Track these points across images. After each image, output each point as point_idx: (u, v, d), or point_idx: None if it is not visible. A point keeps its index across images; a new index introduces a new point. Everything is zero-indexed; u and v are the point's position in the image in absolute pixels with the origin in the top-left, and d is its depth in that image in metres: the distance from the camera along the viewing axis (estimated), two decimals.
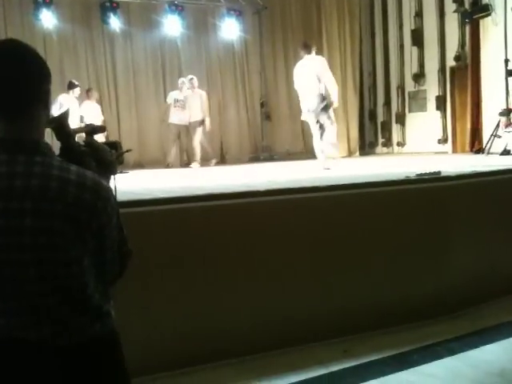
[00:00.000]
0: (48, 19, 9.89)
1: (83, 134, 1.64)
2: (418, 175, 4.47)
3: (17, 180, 1.27)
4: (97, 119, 9.07)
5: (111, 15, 10.37)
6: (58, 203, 1.28)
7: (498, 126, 9.07)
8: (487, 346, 3.69)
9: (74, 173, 1.33)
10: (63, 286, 1.31)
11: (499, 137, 8.97)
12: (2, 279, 1.27)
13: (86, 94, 9.63)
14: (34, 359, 1.30)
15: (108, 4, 10.30)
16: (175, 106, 10.32)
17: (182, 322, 3.44)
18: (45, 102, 1.39)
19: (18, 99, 1.33)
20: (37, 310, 1.29)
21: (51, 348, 1.30)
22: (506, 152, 8.53)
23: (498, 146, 9.01)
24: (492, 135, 9.10)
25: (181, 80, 10.52)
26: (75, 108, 8.79)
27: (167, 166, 10.16)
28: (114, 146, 1.64)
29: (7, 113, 1.33)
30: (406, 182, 4.38)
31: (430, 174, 4.53)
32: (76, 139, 1.54)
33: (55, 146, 1.46)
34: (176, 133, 10.43)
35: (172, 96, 10.46)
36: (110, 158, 1.57)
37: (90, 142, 1.57)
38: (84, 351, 1.34)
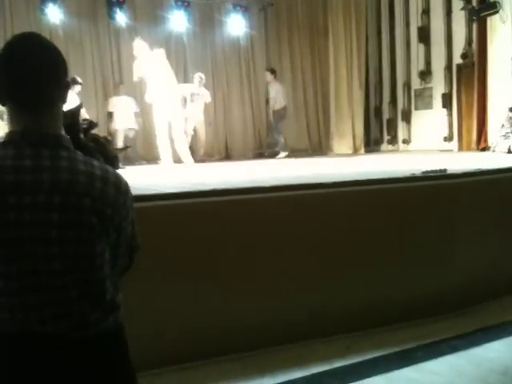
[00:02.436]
0: (54, 14, 9.90)
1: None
2: (423, 173, 4.46)
3: (44, 174, 1.27)
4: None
5: (117, 10, 10.37)
6: (87, 198, 1.29)
7: (503, 125, 9.03)
8: (490, 343, 3.69)
9: (98, 168, 1.35)
10: (85, 279, 1.33)
11: (507, 136, 8.94)
12: (24, 273, 1.27)
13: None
14: (48, 352, 1.30)
15: None
16: (192, 101, 10.14)
17: (186, 318, 3.45)
18: (64, 95, 1.40)
19: (42, 93, 1.33)
20: (56, 304, 1.30)
21: (66, 341, 1.31)
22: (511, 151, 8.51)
23: (504, 144, 8.98)
24: (499, 133, 9.08)
25: (198, 75, 10.34)
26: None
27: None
28: (106, 141, 1.64)
29: (30, 106, 1.33)
30: (412, 179, 4.37)
31: (436, 171, 4.52)
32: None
33: None
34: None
35: (188, 90, 10.17)
36: (113, 153, 1.58)
37: (95, 137, 1.58)
38: (96, 344, 1.35)
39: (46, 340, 1.30)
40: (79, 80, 9.17)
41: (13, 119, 1.34)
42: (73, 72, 9.83)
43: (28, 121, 1.32)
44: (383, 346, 3.65)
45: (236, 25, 11.71)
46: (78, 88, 9.16)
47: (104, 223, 1.32)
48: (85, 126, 1.54)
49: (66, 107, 1.47)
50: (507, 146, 8.67)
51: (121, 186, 1.39)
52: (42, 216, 1.26)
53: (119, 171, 1.62)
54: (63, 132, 1.39)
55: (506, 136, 8.93)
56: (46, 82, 1.33)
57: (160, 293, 3.37)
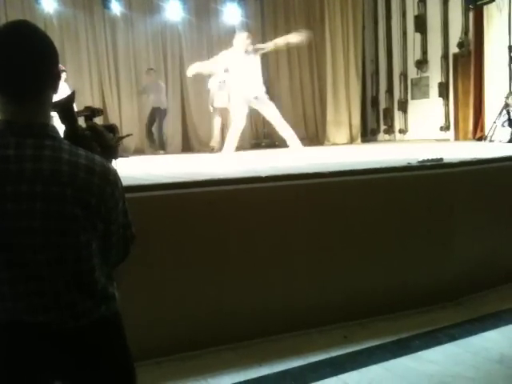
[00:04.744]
0: (48, 3, 9.82)
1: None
2: (419, 162, 4.45)
3: (27, 163, 1.27)
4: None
5: (112, 0, 10.29)
6: (69, 187, 1.28)
7: (501, 113, 9.03)
8: (487, 332, 3.71)
9: (84, 157, 1.33)
10: (72, 270, 1.32)
11: (503, 126, 8.95)
12: (12, 263, 1.27)
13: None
14: (41, 341, 1.31)
15: None
16: (221, 89, 9.81)
17: (183, 307, 3.45)
18: (54, 84, 1.38)
19: (30, 82, 1.32)
20: (45, 294, 1.30)
21: (58, 330, 1.31)
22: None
23: (500, 133, 8.99)
24: (494, 122, 9.08)
25: None
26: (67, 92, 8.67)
27: (212, 151, 9.76)
28: (111, 129, 1.62)
29: (17, 95, 1.32)
30: (408, 168, 4.37)
31: (432, 160, 4.51)
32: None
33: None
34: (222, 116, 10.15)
35: (215, 81, 9.90)
36: (112, 143, 1.57)
37: (93, 125, 1.56)
38: (89, 333, 1.36)
39: (38, 329, 1.30)
40: (62, 68, 9.05)
41: (1, 108, 1.33)
42: (68, 62, 9.78)
43: (14, 110, 1.31)
44: (381, 335, 3.67)
45: (232, 14, 11.63)
46: (63, 76, 9.03)
47: (89, 213, 1.31)
48: (87, 114, 1.52)
49: (60, 96, 1.46)
50: (508, 135, 8.65)
51: (108, 175, 1.37)
52: (25, 206, 1.25)
53: (118, 160, 1.61)
54: (54, 121, 1.38)
55: (503, 125, 8.93)
56: (33, 70, 1.32)
57: (158, 282, 3.37)
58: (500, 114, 9.06)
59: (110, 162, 1.56)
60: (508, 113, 8.93)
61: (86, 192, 1.30)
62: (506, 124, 8.90)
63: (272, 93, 12.58)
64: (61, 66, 7.52)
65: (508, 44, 9.27)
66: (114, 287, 1.44)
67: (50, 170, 1.27)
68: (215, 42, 12.08)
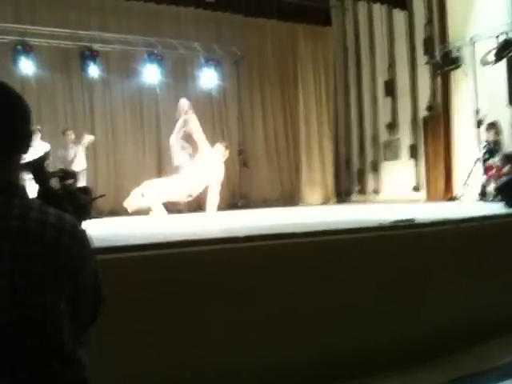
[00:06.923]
0: (27, 66, 9.94)
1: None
2: (392, 222, 4.52)
3: None
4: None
5: (91, 63, 10.44)
6: (37, 245, 1.27)
7: (470, 173, 9.28)
8: None
9: (53, 215, 1.33)
10: (39, 331, 1.28)
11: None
12: None
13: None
14: None
15: (87, 52, 10.40)
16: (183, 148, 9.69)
17: (158, 376, 3.35)
18: (25, 144, 1.39)
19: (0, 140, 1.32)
20: (12, 356, 1.26)
21: None
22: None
23: (470, 193, 9.21)
24: (465, 183, 9.32)
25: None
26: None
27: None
28: (84, 191, 1.65)
29: None
30: (381, 228, 4.43)
31: (404, 221, 4.59)
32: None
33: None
34: None
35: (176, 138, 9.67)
36: (84, 203, 1.58)
37: (65, 186, 1.58)
38: None
39: None
40: (36, 127, 9.07)
41: None
42: (45, 124, 9.82)
43: None
44: None
45: (208, 78, 11.91)
46: (37, 136, 9.01)
47: (56, 272, 1.29)
48: (60, 175, 1.55)
49: (36, 155, 1.48)
50: (477, 193, 8.83)
51: (77, 234, 1.36)
52: None
53: (92, 221, 1.61)
54: (25, 180, 1.39)
55: (469, 184, 9.16)
56: (6, 130, 1.33)
57: (129, 349, 3.27)
58: (469, 175, 9.31)
59: (82, 223, 1.56)
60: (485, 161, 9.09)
61: (54, 250, 1.29)
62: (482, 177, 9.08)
63: (247, 154, 12.79)
64: (35, 127, 7.47)
65: (475, 107, 9.65)
66: (82, 352, 1.39)
67: (17, 229, 1.26)
68: (193, 104, 12.27)
